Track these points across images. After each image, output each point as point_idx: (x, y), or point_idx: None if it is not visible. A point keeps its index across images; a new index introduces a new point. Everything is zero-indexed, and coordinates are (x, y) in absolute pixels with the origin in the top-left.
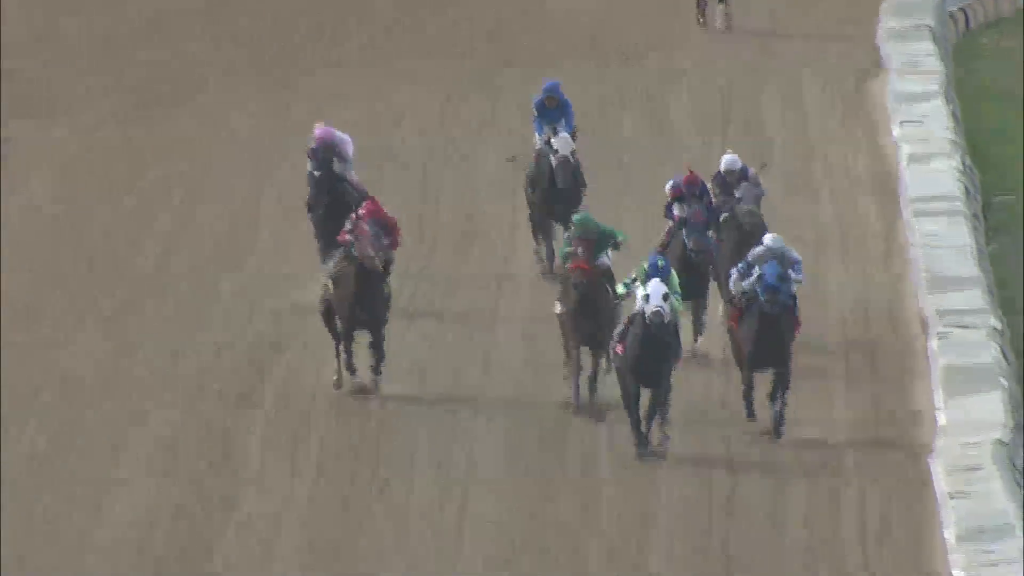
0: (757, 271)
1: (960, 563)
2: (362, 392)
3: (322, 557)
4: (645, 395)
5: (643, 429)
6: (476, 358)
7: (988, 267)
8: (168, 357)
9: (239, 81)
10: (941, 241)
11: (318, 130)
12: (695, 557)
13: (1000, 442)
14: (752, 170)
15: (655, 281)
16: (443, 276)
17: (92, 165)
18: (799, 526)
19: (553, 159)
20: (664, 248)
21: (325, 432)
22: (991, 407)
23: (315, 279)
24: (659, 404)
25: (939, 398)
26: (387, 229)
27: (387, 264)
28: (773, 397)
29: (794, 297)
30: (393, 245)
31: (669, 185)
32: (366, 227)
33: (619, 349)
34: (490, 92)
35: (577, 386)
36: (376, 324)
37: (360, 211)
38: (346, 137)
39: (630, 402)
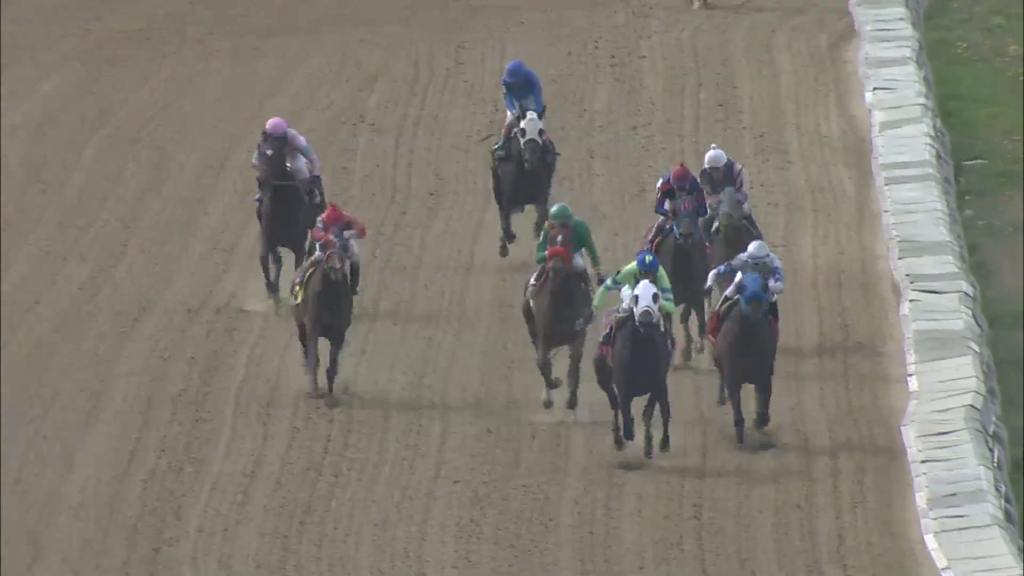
0: (739, 278)
1: (932, 528)
2: (323, 392)
3: (293, 518)
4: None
5: (631, 430)
6: (450, 321)
7: (960, 232)
8: (138, 319)
9: (209, 43)
10: (913, 206)
11: (270, 122)
12: (665, 521)
13: (972, 407)
14: (738, 166)
15: (644, 283)
16: (416, 237)
17: (61, 127)
18: (771, 491)
19: (521, 140)
20: (654, 244)
21: (297, 395)
22: (962, 372)
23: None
24: (661, 409)
25: (911, 363)
26: (350, 225)
27: (355, 269)
28: (758, 403)
29: (775, 307)
30: (360, 234)
31: (659, 181)
32: (332, 238)
33: (606, 353)
34: (459, 52)
35: (550, 377)
36: (338, 333)
37: (324, 219)
38: (297, 133)
39: (620, 405)
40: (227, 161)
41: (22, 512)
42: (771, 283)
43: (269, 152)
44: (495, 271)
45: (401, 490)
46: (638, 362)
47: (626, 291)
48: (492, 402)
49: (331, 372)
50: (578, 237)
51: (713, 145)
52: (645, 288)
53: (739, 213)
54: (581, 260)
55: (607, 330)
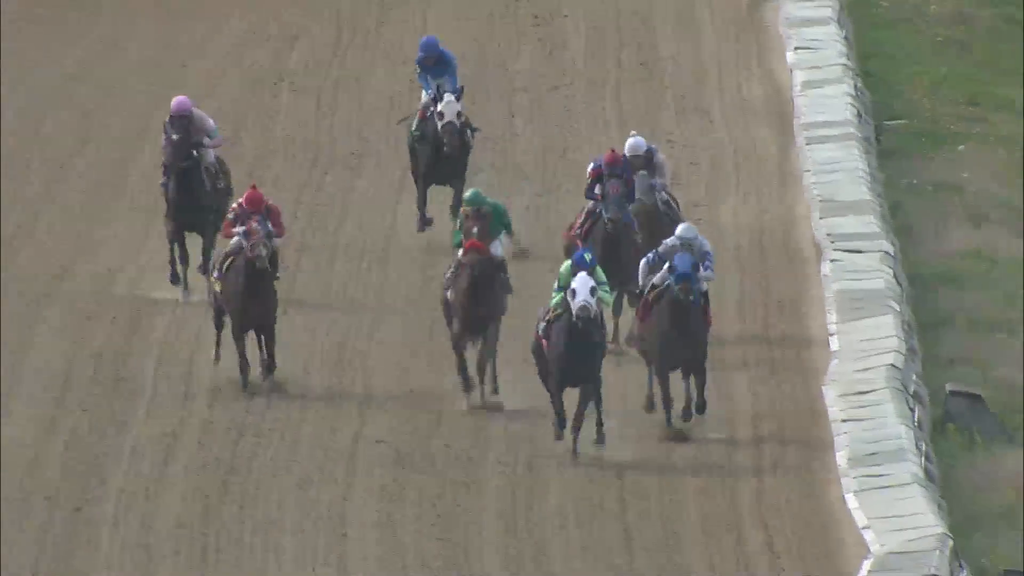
0: (668, 263)
1: (852, 487)
2: (259, 386)
3: (215, 479)
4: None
5: (565, 420)
6: (372, 282)
7: (881, 192)
8: (59, 282)
9: (134, 4)
10: (834, 166)
11: (175, 101)
12: (588, 483)
13: (892, 366)
14: (660, 155)
15: (581, 275)
16: (338, 201)
17: None
18: (693, 452)
19: (439, 123)
20: (584, 231)
21: (220, 357)
22: (883, 331)
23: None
24: (593, 401)
25: (832, 323)
26: (272, 218)
27: (274, 257)
28: (689, 395)
29: (705, 294)
30: (279, 233)
31: (590, 166)
32: (256, 225)
33: (544, 345)
34: (381, 13)
35: (467, 377)
36: (267, 323)
37: (242, 202)
38: (205, 115)
39: (555, 396)
40: (151, 122)
41: None
42: (701, 270)
43: (175, 136)
44: (418, 231)
45: (323, 450)
46: (573, 355)
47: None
48: (414, 362)
49: (268, 364)
50: (494, 224)
51: (632, 132)
52: (582, 281)
53: (651, 199)
54: (500, 247)
55: (544, 321)
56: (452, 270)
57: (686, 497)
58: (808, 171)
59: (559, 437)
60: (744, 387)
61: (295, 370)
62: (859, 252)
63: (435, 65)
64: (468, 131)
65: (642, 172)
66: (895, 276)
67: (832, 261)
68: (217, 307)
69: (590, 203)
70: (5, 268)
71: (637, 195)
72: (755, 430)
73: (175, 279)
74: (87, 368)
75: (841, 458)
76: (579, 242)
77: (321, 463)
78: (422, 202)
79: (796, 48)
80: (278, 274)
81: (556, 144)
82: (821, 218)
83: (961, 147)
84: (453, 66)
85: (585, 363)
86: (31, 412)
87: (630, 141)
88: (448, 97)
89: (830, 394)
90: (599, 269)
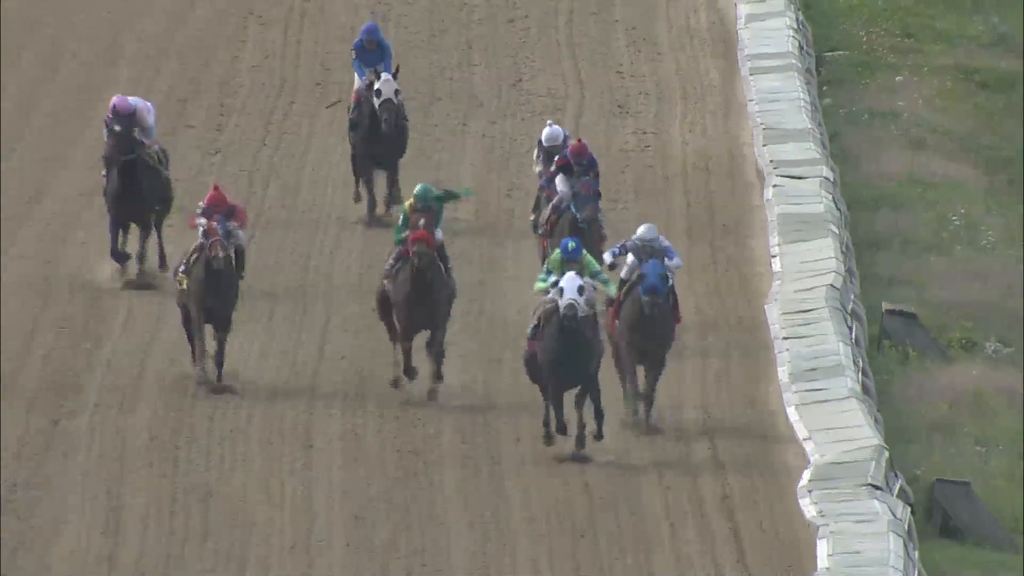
0: (632, 261)
1: (793, 401)
2: (212, 384)
3: (186, 392)
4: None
5: (564, 426)
6: (335, 206)
7: (821, 120)
8: (34, 203)
9: None
10: (777, 95)
11: (114, 100)
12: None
13: (832, 287)
14: (572, 141)
15: (569, 274)
16: (304, 125)
17: None
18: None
19: (376, 101)
20: (551, 225)
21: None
22: (823, 253)
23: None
24: (591, 402)
25: (774, 245)
26: (234, 214)
27: (239, 253)
28: (647, 383)
29: (673, 291)
30: (242, 226)
31: (542, 151)
32: (215, 225)
33: (535, 348)
34: None
35: (409, 366)
36: (224, 318)
37: (204, 203)
38: (147, 104)
39: (553, 401)
40: (119, 51)
41: None
42: (668, 262)
43: (117, 128)
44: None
45: (289, 366)
46: (567, 355)
47: (540, 284)
48: (374, 282)
49: (218, 359)
50: (441, 214)
51: (549, 121)
52: (569, 281)
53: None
54: (441, 235)
55: (534, 323)
56: (393, 261)
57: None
58: (752, 100)
59: (549, 443)
60: (691, 304)
61: (261, 290)
62: (800, 178)
63: (374, 51)
64: (403, 109)
65: (561, 176)
66: (834, 200)
67: (774, 186)
68: (182, 304)
69: (556, 198)
70: None
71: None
72: (701, 346)
73: (118, 258)
74: (63, 288)
75: (783, 373)
76: (544, 241)
77: (287, 379)
78: (367, 187)
79: None
80: (243, 273)
81: (510, 74)
82: (764, 145)
83: (899, 77)
84: (389, 53)
85: (579, 362)
86: (10, 330)
87: (547, 131)
88: (385, 76)
89: (772, 312)
90: (588, 258)
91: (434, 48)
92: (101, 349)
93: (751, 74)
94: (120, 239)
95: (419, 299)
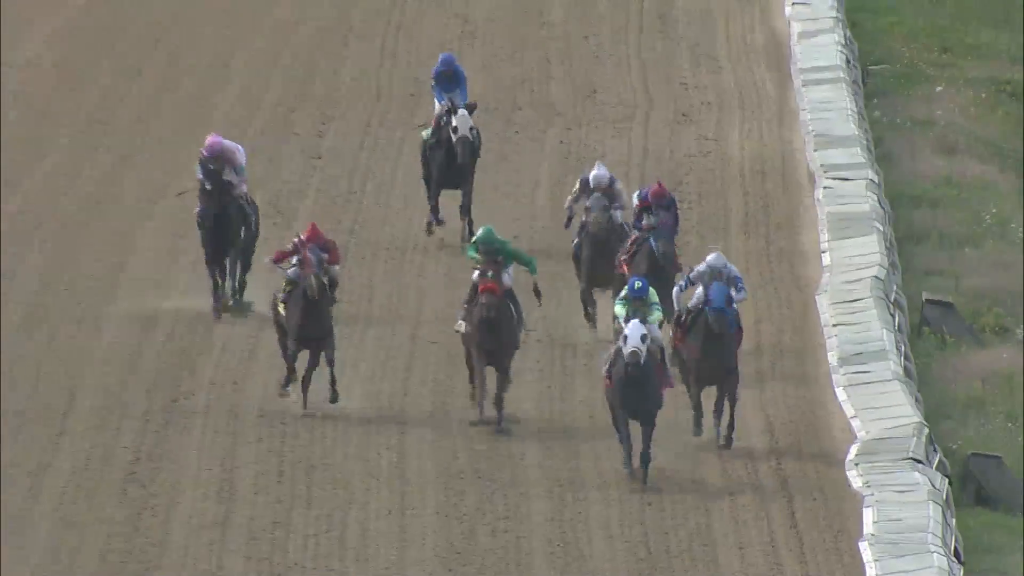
0: (701, 291)
1: (842, 383)
2: (313, 406)
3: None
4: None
5: (632, 448)
6: (420, 237)
7: (867, 127)
8: (156, 203)
9: None
10: (826, 105)
11: (209, 139)
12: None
13: (876, 278)
14: (618, 183)
15: (634, 323)
16: (398, 131)
17: (87, 33)
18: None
19: (454, 136)
20: (631, 254)
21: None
22: (868, 248)
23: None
24: (645, 435)
25: (824, 241)
26: (327, 249)
27: (332, 282)
28: (719, 410)
29: (737, 316)
30: (333, 261)
31: (636, 196)
32: (309, 254)
33: (607, 383)
34: None
35: (482, 405)
36: (323, 342)
37: (303, 236)
38: (237, 146)
39: (619, 426)
40: (232, 62)
41: (58, 367)
42: (734, 294)
43: (208, 186)
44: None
45: (385, 350)
46: (630, 393)
47: (619, 310)
48: (465, 276)
49: (332, 379)
50: (507, 261)
51: (598, 162)
52: (634, 329)
53: (605, 217)
54: (510, 277)
55: (610, 361)
56: (467, 305)
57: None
58: (804, 109)
59: (627, 467)
60: (748, 296)
61: (361, 282)
62: (847, 180)
63: (449, 79)
64: (478, 140)
65: (596, 195)
66: (878, 200)
67: (824, 188)
68: (280, 328)
69: (635, 233)
70: (110, 192)
71: (592, 215)
72: (756, 331)
73: (217, 288)
74: (182, 279)
75: (832, 358)
76: (625, 267)
77: (383, 361)
78: (435, 206)
79: (793, 3)
80: (336, 298)
81: (585, 86)
82: (815, 150)
83: (938, 88)
84: (464, 81)
85: (642, 401)
86: (133, 316)
87: (595, 172)
88: (462, 112)
89: (822, 302)
90: (653, 294)
91: (516, 62)
92: (215, 333)
93: (803, 86)
94: (217, 276)
95: (490, 341)
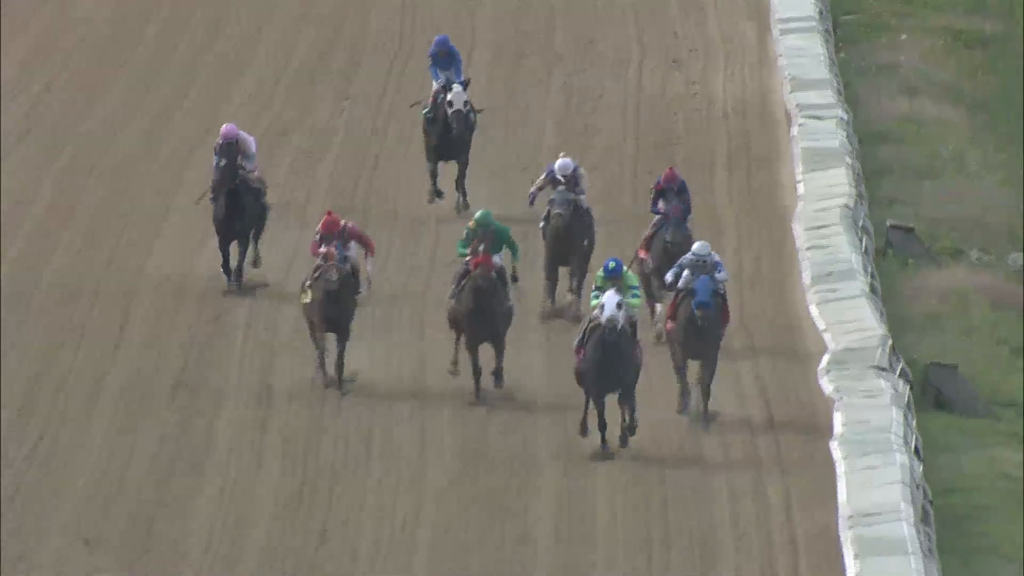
0: (687, 275)
1: (815, 299)
2: (332, 384)
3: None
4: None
5: (606, 423)
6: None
7: (837, 72)
8: (173, 194)
9: None
10: (801, 52)
11: (224, 128)
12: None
13: (846, 207)
14: (581, 169)
15: (609, 292)
16: (413, 92)
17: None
18: None
19: (449, 110)
20: (646, 239)
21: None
22: (839, 180)
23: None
24: (628, 407)
25: (799, 173)
26: (349, 234)
27: (355, 271)
28: (701, 382)
29: (723, 297)
30: (371, 252)
31: (653, 184)
32: (334, 251)
33: (580, 355)
34: None
35: (479, 383)
36: (344, 328)
37: (320, 230)
38: (249, 136)
39: (595, 403)
40: (271, 15)
41: (114, 287)
42: (718, 276)
43: (223, 162)
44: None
45: (409, 259)
46: (606, 365)
47: (594, 301)
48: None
49: (338, 364)
50: (498, 241)
51: (562, 154)
52: (609, 298)
53: (569, 211)
54: (500, 259)
55: (581, 335)
56: (457, 283)
57: None
58: (780, 56)
59: (585, 435)
60: (731, 221)
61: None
62: (820, 119)
63: (444, 58)
64: (472, 114)
65: (561, 188)
66: (847, 137)
67: (799, 125)
68: (308, 315)
69: (657, 218)
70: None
71: (556, 209)
72: (737, 252)
73: (227, 274)
74: (204, 263)
75: (805, 277)
76: (643, 251)
77: (404, 323)
78: (433, 176)
79: None
80: (360, 289)
81: (584, 35)
82: (790, 92)
83: (903, 36)
84: (459, 61)
85: (617, 371)
86: (180, 241)
87: (559, 162)
88: (457, 88)
89: (797, 228)
90: (628, 273)
91: (522, 15)
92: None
93: (780, 34)
94: (226, 257)
95: (481, 315)
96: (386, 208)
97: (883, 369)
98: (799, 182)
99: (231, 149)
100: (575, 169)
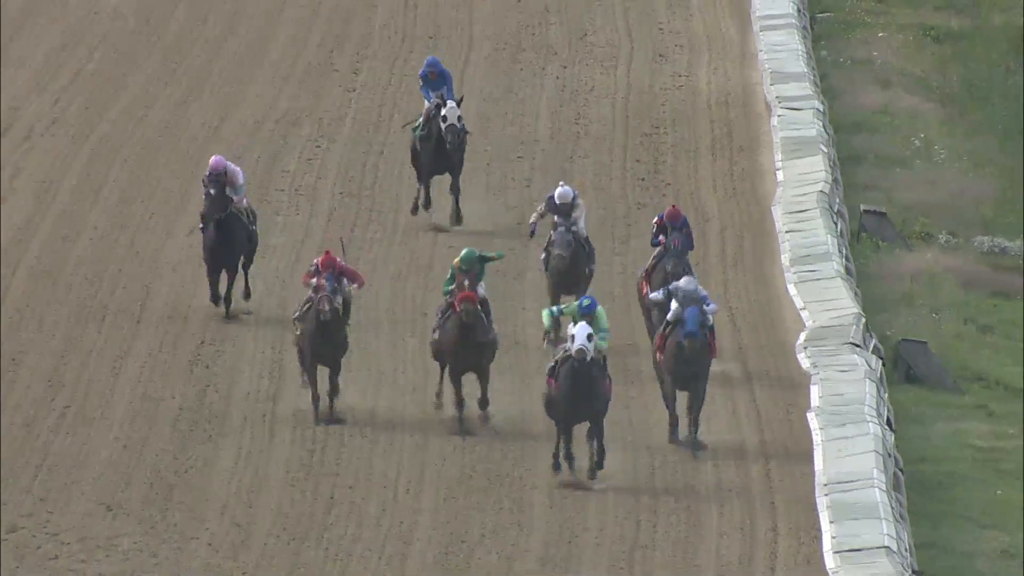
0: (676, 307)
1: (793, 280)
2: (325, 418)
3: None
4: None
5: (572, 456)
6: None
7: (814, 66)
8: (195, 175)
9: None
10: (780, 47)
11: (213, 160)
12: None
13: (822, 192)
14: (579, 199)
15: (582, 324)
16: (415, 82)
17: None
18: None
19: (443, 125)
20: (648, 271)
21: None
22: (815, 167)
23: None
24: (596, 438)
25: (778, 160)
26: (351, 277)
27: (346, 304)
28: (690, 412)
29: (711, 328)
30: (355, 280)
31: (655, 218)
32: (324, 282)
33: (551, 384)
34: None
35: (462, 413)
36: (335, 361)
37: (317, 264)
38: (237, 168)
39: (563, 430)
40: (283, 10)
41: (136, 267)
42: (708, 308)
43: (212, 192)
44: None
45: (410, 252)
46: (576, 394)
47: (570, 328)
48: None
49: (331, 394)
50: (480, 276)
51: (561, 183)
52: (581, 329)
53: (570, 252)
54: (483, 289)
55: (552, 363)
56: (441, 314)
57: None
58: (761, 51)
59: (556, 468)
60: (714, 206)
61: (391, 195)
62: (798, 109)
63: (435, 79)
64: (465, 132)
65: (560, 229)
66: (824, 126)
67: (778, 116)
68: (298, 346)
69: (657, 248)
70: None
71: (556, 251)
72: (721, 235)
73: (216, 299)
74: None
75: (784, 258)
76: (644, 283)
77: (408, 262)
78: (426, 189)
79: None
80: (349, 320)
81: (578, 30)
82: (771, 84)
83: (881, 34)
84: (450, 80)
85: (587, 401)
86: (196, 230)
87: (559, 191)
88: (451, 104)
89: (777, 212)
90: (601, 314)
91: (519, 11)
92: (268, 244)
93: (761, 30)
94: (218, 286)
95: (465, 347)
96: (390, 193)
97: (857, 345)
98: (778, 169)
99: (219, 180)
100: (574, 197)
